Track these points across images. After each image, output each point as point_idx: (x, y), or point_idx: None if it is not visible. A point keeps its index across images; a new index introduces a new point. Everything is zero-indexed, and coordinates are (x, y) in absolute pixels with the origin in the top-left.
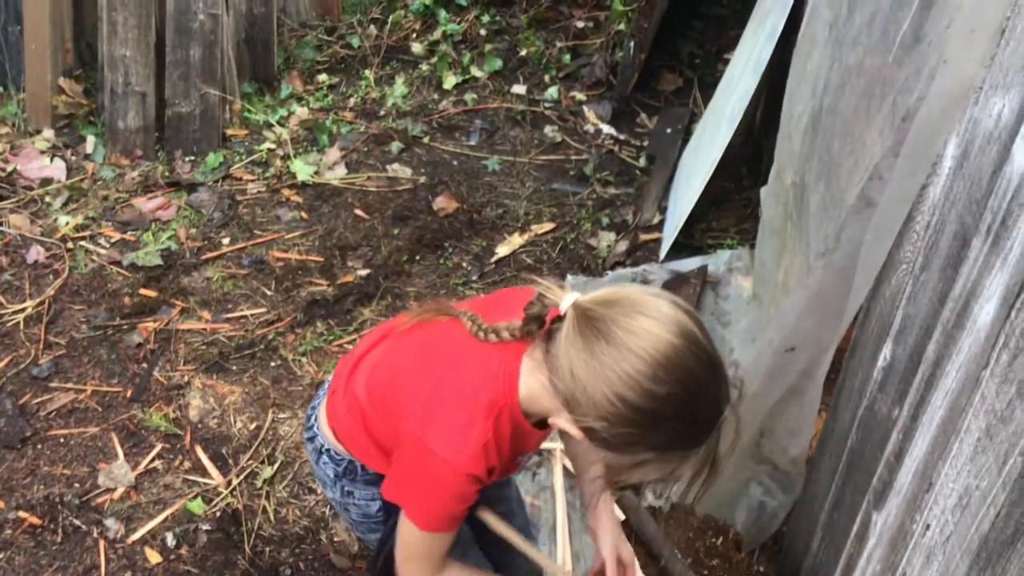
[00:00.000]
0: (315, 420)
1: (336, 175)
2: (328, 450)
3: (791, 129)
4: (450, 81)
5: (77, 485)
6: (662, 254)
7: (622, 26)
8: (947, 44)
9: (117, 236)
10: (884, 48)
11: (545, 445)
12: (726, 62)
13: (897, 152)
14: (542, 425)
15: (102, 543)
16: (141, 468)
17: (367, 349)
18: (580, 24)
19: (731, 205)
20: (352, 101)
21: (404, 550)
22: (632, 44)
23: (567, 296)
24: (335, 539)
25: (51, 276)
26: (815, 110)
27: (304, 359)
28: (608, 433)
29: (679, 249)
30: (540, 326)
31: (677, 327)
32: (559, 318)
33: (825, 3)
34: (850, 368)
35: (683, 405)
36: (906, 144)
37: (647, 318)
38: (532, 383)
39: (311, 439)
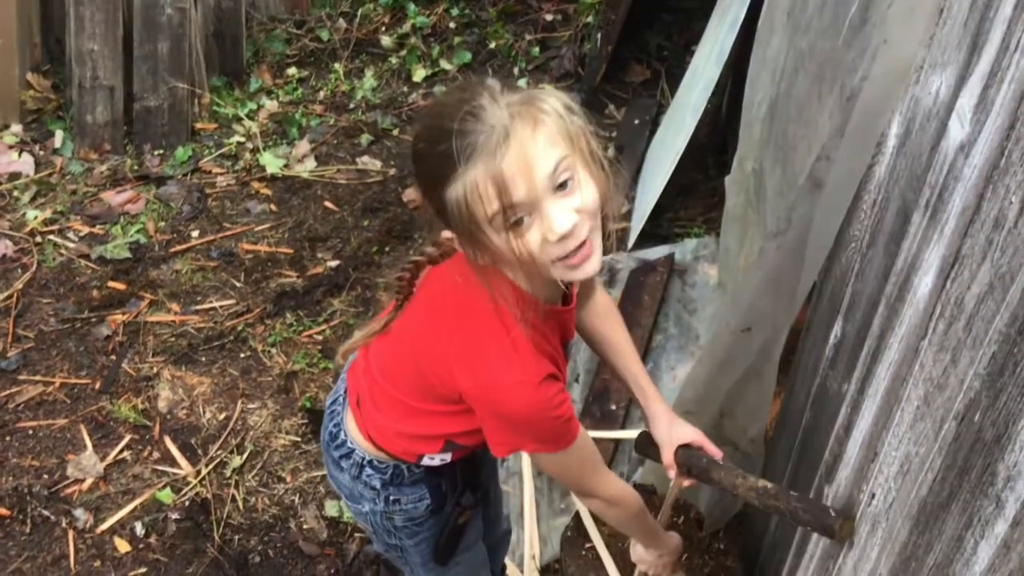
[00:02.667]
0: (345, 435)
1: (306, 168)
2: (370, 461)
3: (752, 117)
4: (420, 74)
5: (46, 476)
6: (630, 243)
7: (590, 18)
8: (889, 24)
9: (86, 230)
10: (834, 31)
11: None
12: (692, 53)
13: (843, 132)
14: (565, 300)
15: (71, 533)
16: (110, 459)
17: (366, 351)
18: (548, 17)
19: (698, 195)
20: (322, 94)
21: (568, 476)
22: (600, 36)
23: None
24: (304, 527)
25: (19, 270)
26: (773, 97)
27: (273, 350)
28: (421, 204)
29: (646, 238)
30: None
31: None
32: None
33: None
34: (804, 347)
35: (425, 131)
36: (851, 124)
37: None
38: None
39: (347, 455)
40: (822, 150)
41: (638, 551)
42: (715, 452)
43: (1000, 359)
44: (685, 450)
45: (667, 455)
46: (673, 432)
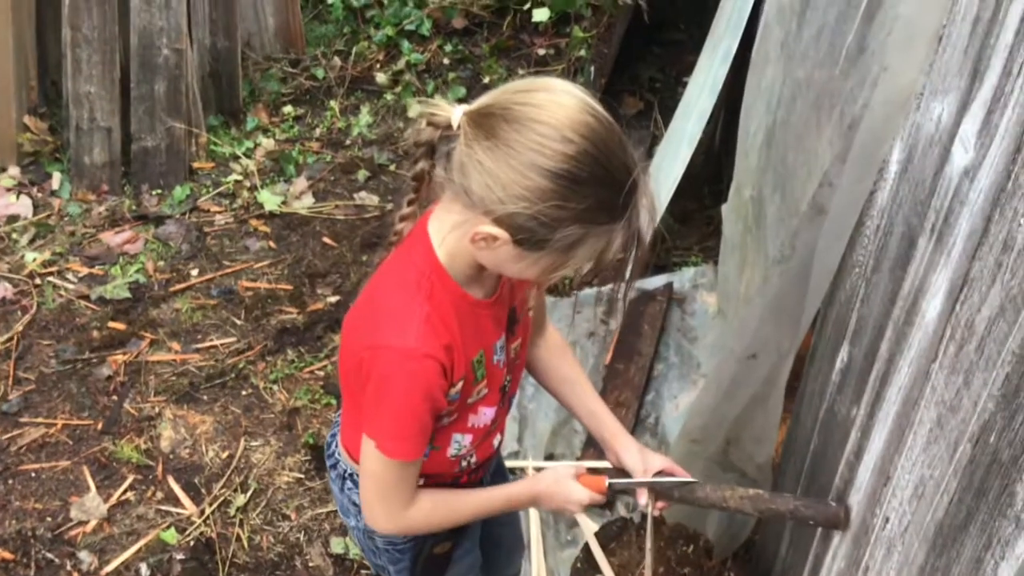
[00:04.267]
0: (335, 447)
1: (304, 204)
2: (352, 475)
3: (748, 145)
4: (415, 109)
5: (49, 519)
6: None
7: (583, 52)
8: (888, 53)
9: (85, 271)
10: (831, 60)
11: (516, 464)
12: (685, 85)
13: (845, 159)
14: (489, 292)
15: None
16: (113, 500)
17: None
18: (541, 51)
19: (694, 223)
20: (318, 131)
21: (372, 488)
22: (593, 69)
23: (456, 108)
24: (310, 564)
25: (19, 312)
26: (769, 125)
27: (275, 387)
28: (531, 214)
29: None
30: (430, 153)
31: (572, 95)
32: (449, 139)
33: (776, 21)
34: (810, 373)
35: (595, 163)
36: (853, 151)
37: (543, 92)
38: (444, 230)
39: (333, 466)
40: (824, 176)
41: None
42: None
43: (1015, 380)
44: (657, 482)
45: (642, 492)
46: (647, 462)
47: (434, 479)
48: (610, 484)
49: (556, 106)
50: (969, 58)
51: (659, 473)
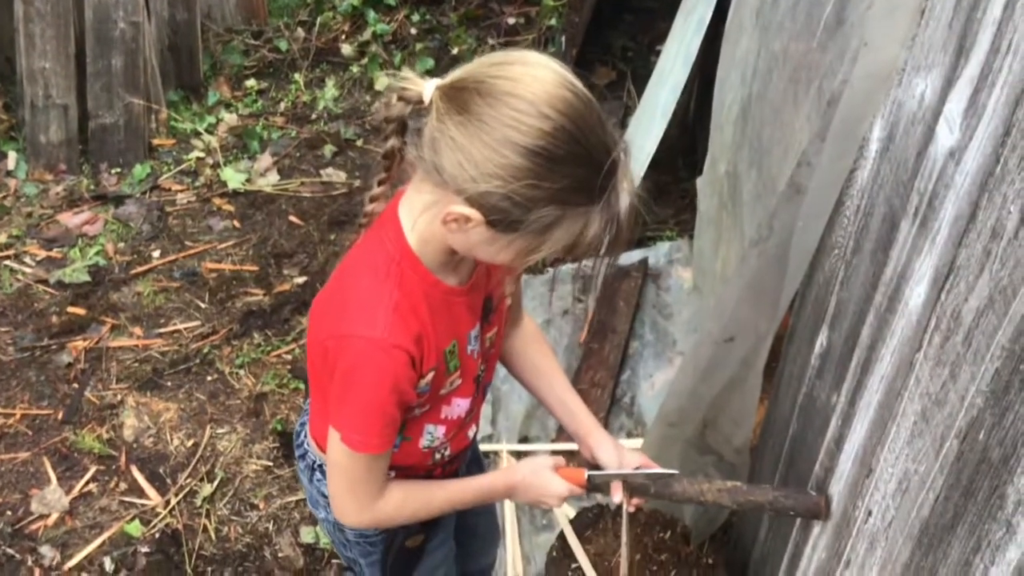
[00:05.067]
0: (304, 436)
1: (268, 182)
2: (320, 465)
3: (723, 119)
4: (382, 82)
5: (9, 513)
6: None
7: (553, 21)
8: (868, 26)
9: (43, 254)
10: (808, 33)
11: (490, 447)
12: (658, 54)
13: (824, 136)
14: (463, 278)
15: (37, 572)
16: (75, 492)
17: None
18: (511, 20)
19: (669, 197)
20: (282, 106)
21: (339, 481)
22: (564, 39)
23: (427, 83)
24: (279, 555)
25: None
26: (745, 98)
27: (241, 371)
28: (505, 194)
29: None
30: (402, 129)
31: (550, 69)
32: (420, 115)
33: None
34: (788, 355)
35: (573, 140)
36: (832, 128)
37: (519, 66)
38: (415, 212)
39: (302, 456)
40: (802, 155)
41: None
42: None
43: (1005, 376)
44: (636, 474)
45: (617, 487)
46: (622, 458)
47: (406, 471)
48: (589, 477)
49: (533, 80)
50: (954, 32)
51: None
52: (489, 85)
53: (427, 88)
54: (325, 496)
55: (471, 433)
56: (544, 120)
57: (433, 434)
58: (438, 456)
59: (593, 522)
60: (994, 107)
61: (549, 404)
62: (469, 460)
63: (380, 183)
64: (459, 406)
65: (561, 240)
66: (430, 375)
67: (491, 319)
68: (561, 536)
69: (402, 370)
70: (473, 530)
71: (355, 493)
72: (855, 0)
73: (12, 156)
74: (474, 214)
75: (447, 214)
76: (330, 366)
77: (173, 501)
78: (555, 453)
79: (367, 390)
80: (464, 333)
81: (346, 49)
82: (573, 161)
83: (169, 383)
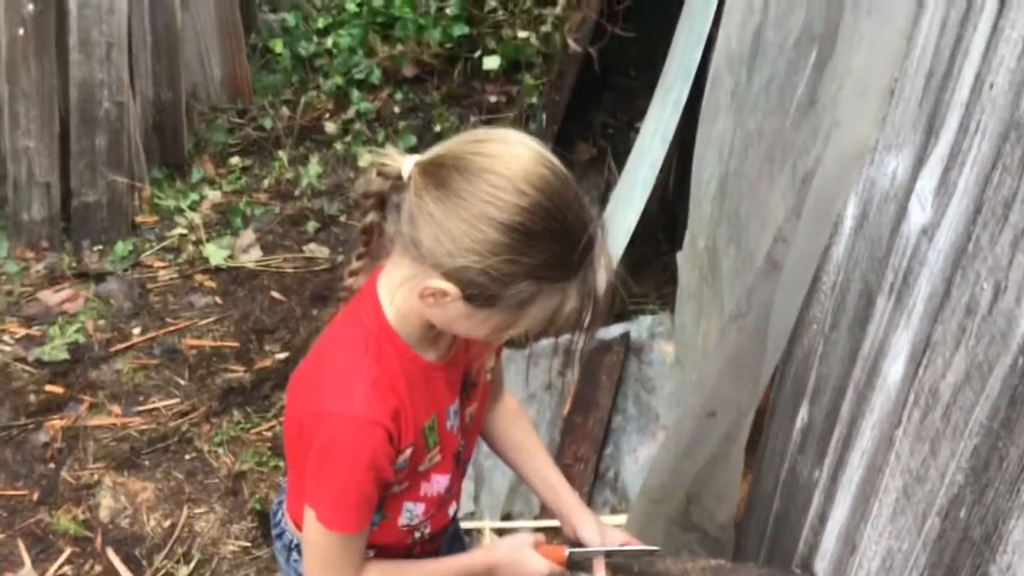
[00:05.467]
0: (281, 516)
1: (251, 257)
2: (298, 545)
3: (701, 195)
4: (365, 159)
5: None
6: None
7: (534, 99)
8: (839, 107)
9: (22, 332)
10: (782, 111)
11: (473, 525)
12: (637, 131)
13: (799, 213)
14: (441, 354)
15: None
16: (50, 575)
17: None
18: (493, 99)
19: (650, 271)
20: (266, 183)
21: (314, 560)
22: (544, 116)
23: (407, 159)
24: None
25: None
26: (722, 175)
27: (220, 450)
28: (482, 269)
29: None
30: (380, 205)
31: (527, 147)
32: (399, 190)
33: (726, 69)
34: (770, 430)
35: (550, 216)
36: (807, 205)
37: (497, 143)
38: (394, 287)
39: (279, 536)
40: (778, 232)
41: None
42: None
43: (983, 453)
44: (618, 551)
45: (599, 564)
46: (605, 535)
47: (386, 550)
48: (570, 554)
49: (511, 157)
50: (924, 112)
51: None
52: (467, 161)
53: (406, 164)
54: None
55: (451, 511)
56: (521, 196)
57: (413, 512)
58: (418, 535)
59: None
60: (965, 185)
61: (531, 481)
62: (450, 537)
63: (359, 257)
64: (439, 483)
65: (538, 315)
66: (408, 451)
67: (471, 394)
68: None
69: (379, 447)
70: None
71: (329, 573)
72: (826, 81)
73: None
74: (451, 288)
75: (424, 288)
76: (306, 443)
77: None
78: (538, 530)
79: (343, 467)
80: (443, 408)
81: (330, 127)
82: (550, 237)
83: (147, 462)
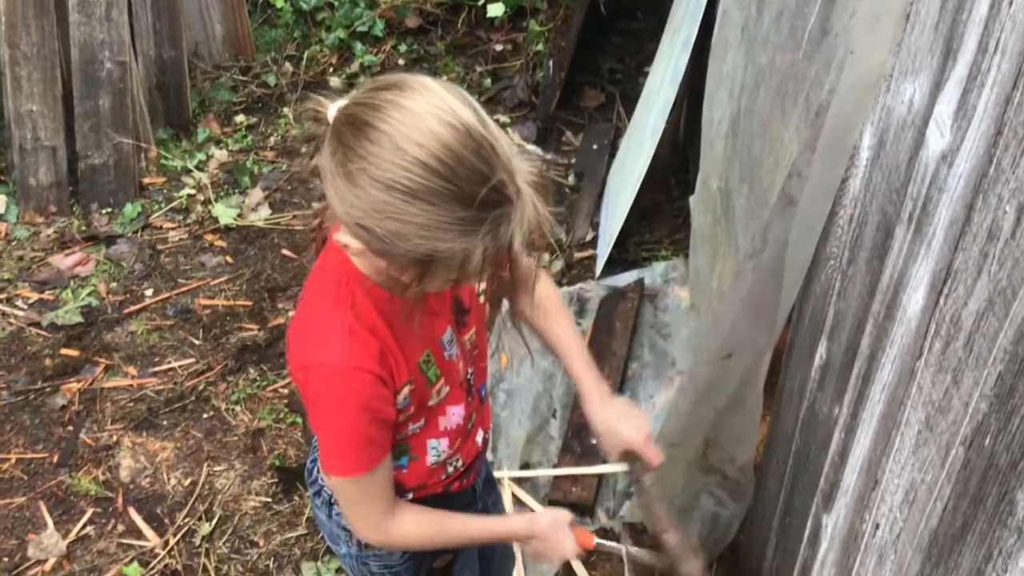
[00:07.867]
0: (316, 472)
1: (260, 216)
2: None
3: (712, 135)
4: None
5: (6, 559)
6: (598, 270)
7: (540, 46)
8: (853, 34)
9: (35, 296)
10: (793, 45)
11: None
12: (646, 75)
13: (814, 147)
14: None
15: None
16: (72, 536)
17: None
18: (498, 47)
19: (662, 216)
20: (272, 140)
21: (344, 506)
22: (551, 63)
23: (332, 105)
24: None
25: None
26: (734, 113)
27: (238, 408)
28: (370, 226)
29: (614, 264)
30: (320, 150)
31: (425, 96)
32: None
33: (735, 6)
34: (788, 369)
35: (434, 174)
36: (822, 139)
37: (391, 92)
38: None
39: (317, 493)
40: (793, 167)
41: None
42: (652, 457)
43: (1008, 379)
44: (642, 552)
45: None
46: (606, 421)
47: (423, 491)
48: (597, 544)
49: (397, 110)
50: (940, 35)
51: (626, 452)
52: (358, 115)
53: (331, 110)
54: (345, 530)
55: (479, 439)
56: (399, 154)
57: (438, 448)
58: (451, 468)
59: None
60: (984, 107)
61: (565, 368)
62: (484, 480)
63: (320, 201)
64: (455, 414)
65: (444, 271)
66: (406, 388)
67: (465, 320)
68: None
69: (366, 389)
70: (492, 552)
71: (360, 516)
72: (839, 9)
73: (2, 200)
74: (353, 243)
75: (335, 241)
76: (303, 398)
77: (172, 541)
78: (557, 478)
79: (334, 415)
80: (436, 340)
81: (334, 81)
82: (435, 195)
83: (165, 422)
